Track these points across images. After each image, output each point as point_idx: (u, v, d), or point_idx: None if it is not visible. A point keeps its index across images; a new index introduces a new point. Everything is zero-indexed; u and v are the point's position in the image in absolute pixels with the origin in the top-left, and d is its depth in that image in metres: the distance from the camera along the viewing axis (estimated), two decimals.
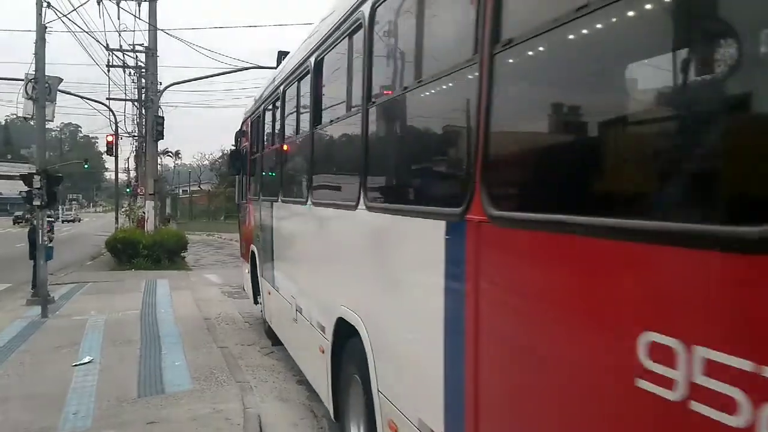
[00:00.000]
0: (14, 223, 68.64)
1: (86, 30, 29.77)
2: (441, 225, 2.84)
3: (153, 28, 23.10)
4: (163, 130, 22.92)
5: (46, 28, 12.96)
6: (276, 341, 8.41)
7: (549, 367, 2.17)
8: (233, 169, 11.55)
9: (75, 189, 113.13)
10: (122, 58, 30.22)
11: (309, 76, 5.77)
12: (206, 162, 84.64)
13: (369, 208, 3.92)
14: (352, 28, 4.36)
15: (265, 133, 8.74)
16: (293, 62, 6.66)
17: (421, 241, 3.16)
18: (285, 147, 7.25)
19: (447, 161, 3.17)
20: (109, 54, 29.21)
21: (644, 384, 1.69)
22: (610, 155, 2.09)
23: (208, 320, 10.86)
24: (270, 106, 8.17)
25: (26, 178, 12.22)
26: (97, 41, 36.86)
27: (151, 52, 23.97)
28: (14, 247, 32.22)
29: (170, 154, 76.65)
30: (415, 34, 3.41)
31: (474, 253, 2.60)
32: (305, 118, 6.04)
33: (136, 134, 38.32)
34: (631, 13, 1.80)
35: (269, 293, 8.29)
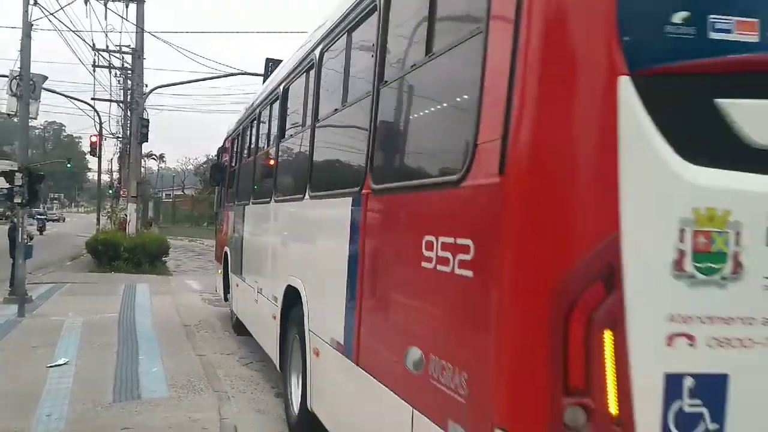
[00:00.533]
0: None
1: (73, 29, 29.49)
2: (349, 199, 4.21)
3: (140, 30, 23.01)
4: (147, 133, 22.81)
5: (32, 25, 12.86)
6: (240, 331, 9.72)
7: (392, 269, 3.60)
8: (214, 181, 13.13)
9: (57, 188, 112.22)
10: (108, 58, 30.09)
11: (279, 100, 7.21)
12: (190, 166, 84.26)
13: (311, 197, 5.34)
14: (309, 65, 5.77)
15: (244, 147, 10.08)
16: (269, 89, 8.22)
17: (338, 212, 4.44)
18: (259, 158, 8.60)
19: (355, 158, 4.43)
20: (95, 54, 29.09)
21: (424, 264, 2.99)
22: (407, 153, 3.80)
23: (188, 327, 10.74)
24: (249, 125, 9.62)
25: (7, 175, 12.08)
26: (84, 41, 36.65)
27: (137, 54, 23.86)
28: None
29: (154, 157, 76.36)
30: (343, 72, 4.78)
31: (364, 213, 3.96)
32: (274, 133, 7.46)
33: (120, 136, 38.09)
34: (415, 80, 3.57)
35: (237, 285, 9.66)
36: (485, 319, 2.45)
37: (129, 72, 28.05)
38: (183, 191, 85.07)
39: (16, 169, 11.92)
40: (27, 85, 12.49)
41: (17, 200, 11.73)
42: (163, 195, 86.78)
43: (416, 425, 3.01)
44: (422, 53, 3.35)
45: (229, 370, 8.00)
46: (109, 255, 20.44)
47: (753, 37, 2.29)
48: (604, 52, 2.23)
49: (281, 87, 7.09)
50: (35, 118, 13.98)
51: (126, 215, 24.09)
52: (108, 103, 34.70)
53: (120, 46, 28.52)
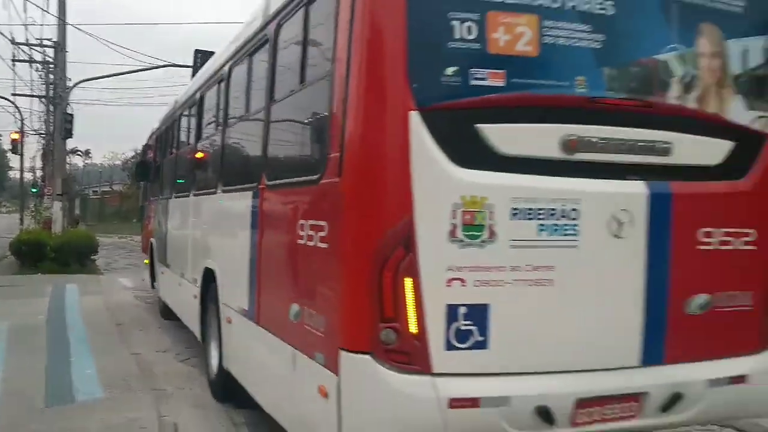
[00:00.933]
0: None
1: None
2: (250, 193, 5.29)
3: (62, 22, 22.24)
4: (72, 128, 22.05)
5: None
6: (167, 316, 10.47)
7: (278, 246, 4.73)
8: (139, 177, 14.12)
9: None
10: (29, 52, 29.08)
11: (196, 105, 8.32)
12: (118, 162, 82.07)
13: (222, 191, 6.56)
14: (220, 78, 6.94)
15: (167, 145, 11.10)
16: (188, 93, 9.20)
17: (243, 203, 5.48)
18: (180, 155, 9.75)
19: (255, 159, 5.52)
20: (14, 48, 28.09)
21: (299, 241, 4.10)
22: (289, 158, 5.02)
23: (121, 326, 10.51)
24: (171, 124, 10.58)
25: None
26: (2, 34, 35.30)
27: (60, 47, 23.08)
28: None
29: (79, 153, 74.08)
30: (246, 88, 5.88)
31: (260, 204, 5.07)
32: (191, 136, 8.72)
33: (43, 132, 36.90)
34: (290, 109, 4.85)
35: (163, 273, 10.55)
36: (334, 276, 3.63)
37: (51, 66, 27.18)
38: (111, 187, 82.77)
39: None
40: None
41: None
42: (90, 192, 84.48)
43: (297, 361, 4.11)
44: (298, 82, 4.46)
45: (166, 367, 7.88)
46: (34, 256, 19.66)
47: (501, 83, 3.45)
48: (400, 96, 3.34)
49: (198, 93, 8.22)
50: None
51: (51, 214, 23.35)
52: (29, 98, 33.62)
53: (41, 39, 27.60)
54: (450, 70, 3.41)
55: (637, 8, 3.83)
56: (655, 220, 3.70)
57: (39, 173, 54.22)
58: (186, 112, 9.27)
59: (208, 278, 6.71)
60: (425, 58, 3.40)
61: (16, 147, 33.16)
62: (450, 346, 3.37)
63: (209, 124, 7.74)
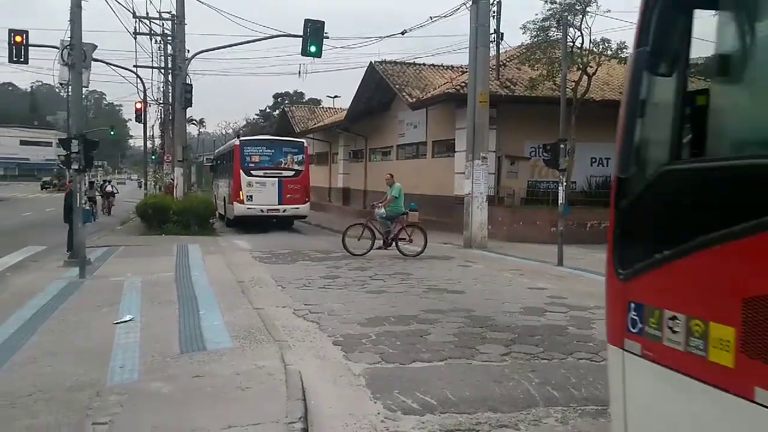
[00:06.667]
0: (42, 189, 69.51)
1: None
2: (230, 178, 26.51)
3: None
4: (191, 98, 23.09)
5: None
6: (228, 223, 25.92)
7: (232, 185, 25.97)
8: (212, 170, 37.45)
9: (100, 156, 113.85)
10: (149, 25, 30.43)
11: (219, 158, 34.25)
12: (230, 131, 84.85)
13: (225, 179, 28.47)
14: (220, 155, 34.25)
15: (217, 162, 34.85)
16: (222, 151, 34.29)
17: (228, 181, 27.27)
18: (217, 168, 34.14)
19: (226, 174, 28.57)
20: (136, 21, 29.44)
21: (232, 183, 25.20)
22: (229, 175, 27.89)
23: (242, 283, 11.13)
24: (218, 157, 35.05)
25: (64, 142, 12.45)
26: (125, 8, 37.04)
27: (178, 20, 24.06)
28: (44, 211, 32.80)
29: (194, 122, 77.14)
30: (223, 160, 31.45)
31: (229, 180, 27.37)
32: (219, 164, 33.57)
33: (162, 102, 38.61)
34: None
35: (218, 202, 28.82)
36: (234, 188, 24.33)
37: (169, 38, 28.36)
38: None
39: (72, 136, 12.21)
40: (79, 54, 12.74)
41: (75, 166, 12.01)
42: (204, 159, 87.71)
43: (231, 204, 24.85)
44: (231, 161, 25.75)
45: (287, 322, 8.31)
46: (158, 218, 21.02)
47: (255, 165, 24.05)
48: (239, 169, 23.79)
49: (217, 155, 36.87)
50: (87, 87, 14.36)
51: (172, 179, 24.63)
52: (150, 70, 35.21)
53: (159, 12, 28.75)
54: (247, 163, 23.67)
55: (275, 153, 24.23)
56: (280, 184, 23.68)
57: (157, 141, 56.82)
58: (218, 158, 34.79)
59: (225, 197, 26.54)
60: (243, 162, 23.59)
61: (140, 116, 35.01)
62: (247, 200, 23.40)
63: (219, 164, 32.30)
